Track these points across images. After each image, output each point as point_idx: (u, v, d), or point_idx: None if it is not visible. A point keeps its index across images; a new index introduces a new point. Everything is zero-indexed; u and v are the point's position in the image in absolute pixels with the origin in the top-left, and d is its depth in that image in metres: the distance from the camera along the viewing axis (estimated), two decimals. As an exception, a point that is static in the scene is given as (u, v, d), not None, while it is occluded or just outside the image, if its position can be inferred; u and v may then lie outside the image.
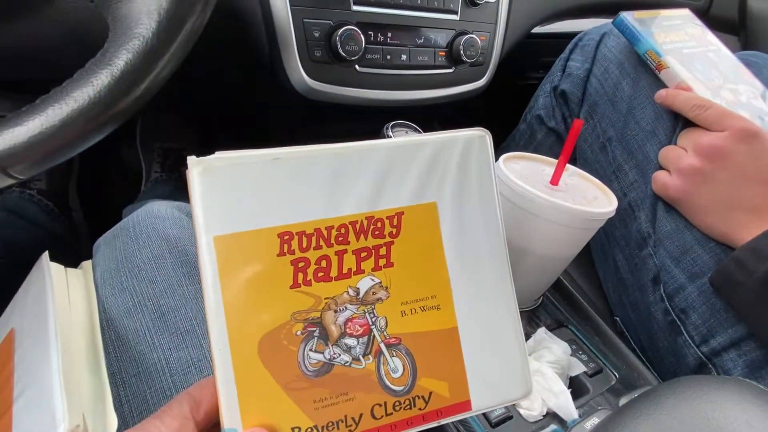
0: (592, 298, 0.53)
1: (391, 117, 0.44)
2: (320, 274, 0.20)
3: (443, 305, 0.22)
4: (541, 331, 0.37)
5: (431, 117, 0.63)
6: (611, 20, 0.48)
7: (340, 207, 0.20)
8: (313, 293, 0.20)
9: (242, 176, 0.19)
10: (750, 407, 0.24)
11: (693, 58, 0.45)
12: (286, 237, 0.19)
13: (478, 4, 0.47)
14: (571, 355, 0.36)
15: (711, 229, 0.38)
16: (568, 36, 0.63)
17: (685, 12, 0.50)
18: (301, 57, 0.40)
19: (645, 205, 0.43)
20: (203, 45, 0.25)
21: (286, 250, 0.19)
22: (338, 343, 0.20)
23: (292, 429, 0.20)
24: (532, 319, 0.40)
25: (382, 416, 0.21)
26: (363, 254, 0.21)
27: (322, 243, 0.20)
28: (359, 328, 0.21)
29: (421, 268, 0.21)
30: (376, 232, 0.21)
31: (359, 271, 0.21)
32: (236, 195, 0.19)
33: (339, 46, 0.40)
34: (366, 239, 0.21)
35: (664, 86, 0.43)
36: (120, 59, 0.18)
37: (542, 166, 0.40)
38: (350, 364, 0.21)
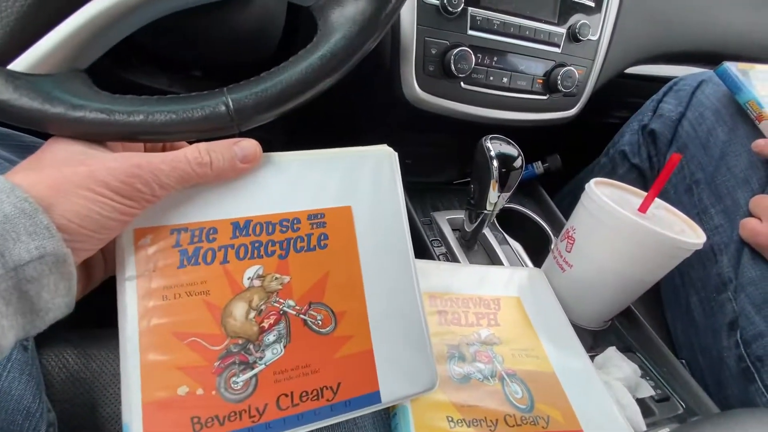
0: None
1: (480, 134, 0.48)
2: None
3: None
4: (612, 350, 0.38)
5: (514, 140, 0.66)
6: (710, 69, 0.50)
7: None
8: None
9: None
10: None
11: (796, 113, 0.45)
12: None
13: (581, 40, 0.51)
14: (640, 377, 0.37)
15: (800, 280, 0.38)
16: (658, 80, 0.64)
17: (791, 68, 0.51)
18: (417, 70, 0.46)
19: (729, 249, 0.43)
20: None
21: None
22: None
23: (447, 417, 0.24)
24: (599, 339, 0.41)
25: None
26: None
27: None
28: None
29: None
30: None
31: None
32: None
33: (452, 64, 0.45)
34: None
35: (763, 137, 0.44)
36: (328, 50, 0.24)
37: (629, 195, 0.42)
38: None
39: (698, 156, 0.49)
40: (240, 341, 0.21)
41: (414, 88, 0.46)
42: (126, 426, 0.19)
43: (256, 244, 0.22)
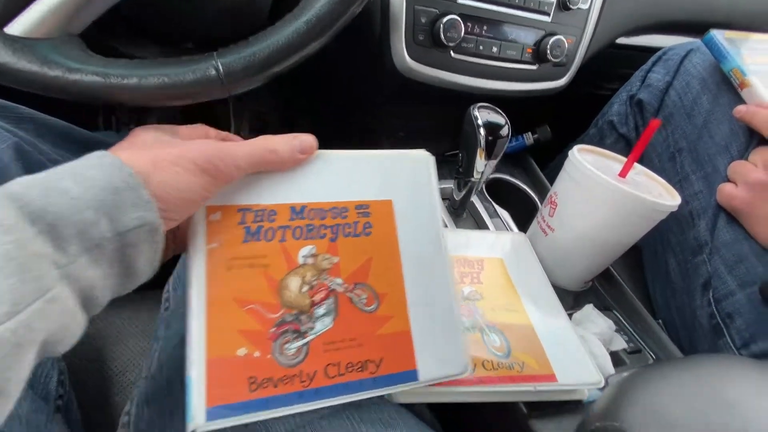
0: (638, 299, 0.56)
1: (470, 104, 0.48)
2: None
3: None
4: (589, 307, 0.40)
5: (506, 110, 0.67)
6: (699, 38, 0.50)
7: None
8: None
9: None
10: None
11: (778, 81, 0.46)
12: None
13: (570, 8, 0.51)
14: (614, 332, 0.39)
15: (769, 241, 0.40)
16: (649, 50, 0.65)
17: (777, 37, 0.51)
18: (407, 39, 0.46)
19: (707, 214, 0.45)
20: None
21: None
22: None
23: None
24: (579, 299, 0.43)
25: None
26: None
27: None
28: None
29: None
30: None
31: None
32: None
33: (441, 33, 0.45)
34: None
35: (745, 104, 0.45)
36: (313, 15, 0.25)
37: (611, 162, 0.43)
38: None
39: (682, 125, 0.50)
40: (293, 311, 0.23)
41: (404, 58, 0.47)
42: (189, 379, 0.21)
43: (310, 227, 0.25)
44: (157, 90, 0.22)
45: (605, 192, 0.36)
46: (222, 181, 0.22)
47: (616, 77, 0.74)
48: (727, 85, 0.48)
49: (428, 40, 0.47)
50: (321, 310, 0.24)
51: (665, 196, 0.39)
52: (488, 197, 0.56)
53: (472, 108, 0.44)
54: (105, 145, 0.21)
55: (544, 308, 0.36)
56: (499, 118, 0.44)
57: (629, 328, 0.41)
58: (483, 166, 0.45)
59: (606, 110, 0.60)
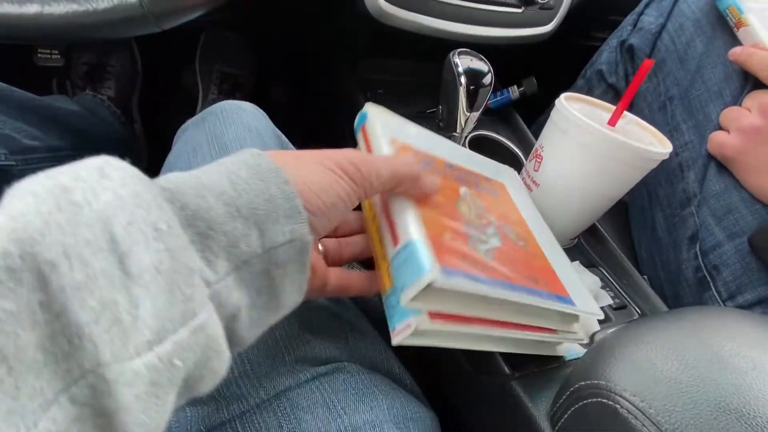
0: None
1: (444, 54, 0.44)
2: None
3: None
4: (575, 264, 0.39)
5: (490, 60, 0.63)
6: (696, -25, 0.46)
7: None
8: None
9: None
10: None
11: (777, 20, 0.43)
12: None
13: (559, -57, 0.47)
14: (600, 288, 0.38)
15: (760, 189, 0.38)
16: (642, -7, 0.60)
17: (778, -26, 0.48)
18: (379, -23, 0.41)
19: (696, 164, 0.43)
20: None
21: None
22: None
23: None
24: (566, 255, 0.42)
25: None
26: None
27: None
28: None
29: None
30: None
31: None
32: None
33: (417, -31, 0.41)
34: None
35: (741, 45, 0.42)
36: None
37: (600, 111, 0.40)
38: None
39: (675, 71, 0.47)
40: (472, 227, 0.26)
41: (378, 1, 0.42)
42: (415, 239, 0.21)
43: (461, 177, 0.30)
44: (64, 20, 0.19)
45: (594, 141, 0.34)
46: (362, 189, 0.21)
47: (607, 25, 0.69)
48: (723, 26, 0.44)
49: (403, -21, 0.42)
50: (491, 231, 0.27)
51: (656, 145, 0.37)
52: (471, 155, 0.53)
53: (452, 54, 0.40)
54: (62, 113, 0.18)
55: (546, 236, 0.33)
56: (481, 65, 0.40)
57: (615, 284, 0.40)
58: (465, 119, 0.42)
59: (595, 59, 0.57)
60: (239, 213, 0.16)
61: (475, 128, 0.55)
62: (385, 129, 0.27)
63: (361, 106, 0.28)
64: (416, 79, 0.60)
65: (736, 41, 0.43)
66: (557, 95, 0.66)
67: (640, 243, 0.51)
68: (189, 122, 0.35)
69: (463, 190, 0.28)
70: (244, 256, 0.16)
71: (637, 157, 0.34)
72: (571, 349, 0.32)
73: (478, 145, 0.56)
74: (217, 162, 0.18)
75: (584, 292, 0.29)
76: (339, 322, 0.28)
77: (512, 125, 0.59)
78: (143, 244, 0.13)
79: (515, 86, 0.61)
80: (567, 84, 0.65)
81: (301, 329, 0.26)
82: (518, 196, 0.34)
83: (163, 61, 0.84)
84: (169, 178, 0.16)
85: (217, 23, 0.75)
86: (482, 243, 0.25)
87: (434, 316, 0.21)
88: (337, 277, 0.26)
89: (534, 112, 0.64)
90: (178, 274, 0.13)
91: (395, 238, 0.23)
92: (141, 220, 0.13)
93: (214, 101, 0.80)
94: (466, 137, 0.52)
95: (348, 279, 0.26)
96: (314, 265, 0.24)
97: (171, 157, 0.33)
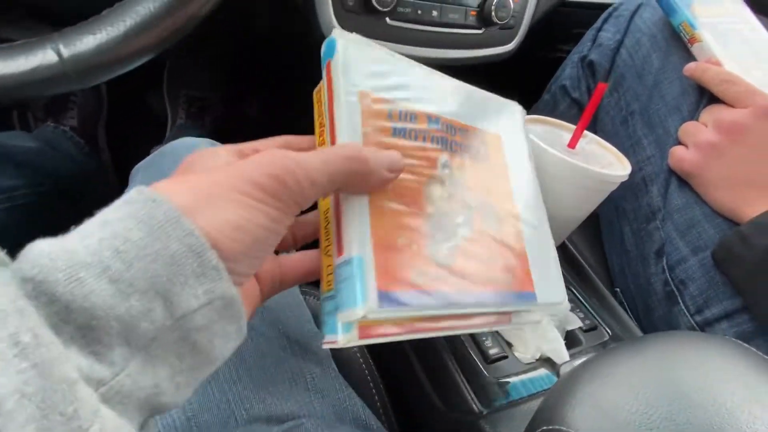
0: (596, 270, 0.55)
1: None
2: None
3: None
4: (543, 287, 0.39)
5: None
6: (649, -9, 0.47)
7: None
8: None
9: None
10: (731, 362, 0.26)
11: (728, 34, 0.44)
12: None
13: (515, -36, 0.47)
14: (569, 311, 0.38)
15: (720, 204, 0.39)
16: (600, 7, 0.61)
17: (728, -12, 0.49)
18: (335, 5, 0.41)
19: (659, 179, 0.44)
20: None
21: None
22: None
23: None
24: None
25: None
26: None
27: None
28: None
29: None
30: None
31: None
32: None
33: (373, -4, 0.40)
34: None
35: (695, 61, 0.43)
36: (179, -21, 0.20)
37: (561, 131, 0.40)
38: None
39: (634, 86, 0.48)
40: (439, 216, 0.23)
41: (333, 26, 0.42)
42: (358, 257, 0.19)
43: (444, 139, 0.25)
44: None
45: (551, 165, 0.34)
46: (293, 202, 0.17)
47: (571, 38, 0.70)
48: (678, 42, 0.45)
49: (359, 6, 0.42)
50: (460, 219, 0.24)
51: (615, 165, 0.37)
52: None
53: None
54: (18, 151, 0.15)
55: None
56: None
57: (585, 304, 0.40)
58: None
59: (559, 74, 0.58)
60: (133, 288, 0.13)
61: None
62: (353, 76, 0.22)
63: None
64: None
65: (691, 56, 0.44)
66: (525, 108, 0.67)
67: (611, 257, 0.52)
68: (140, 165, 0.34)
69: (443, 159, 0.24)
70: (150, 334, 0.13)
71: (595, 181, 0.34)
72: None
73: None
74: (100, 218, 0.14)
75: (553, 276, 0.28)
76: (296, 373, 0.27)
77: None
78: (2, 367, 0.11)
79: (482, 103, 0.62)
80: (533, 98, 0.66)
81: (254, 386, 0.25)
82: (514, 150, 0.29)
83: (129, 87, 0.82)
84: (35, 260, 0.13)
85: (179, 51, 0.74)
86: (445, 240, 0.23)
87: (366, 335, 0.19)
88: (293, 266, 0.23)
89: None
90: (51, 392, 0.11)
91: (340, 247, 0.20)
92: None
93: (182, 126, 0.78)
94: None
95: (308, 262, 0.23)
96: (257, 274, 0.21)
97: None
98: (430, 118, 0.24)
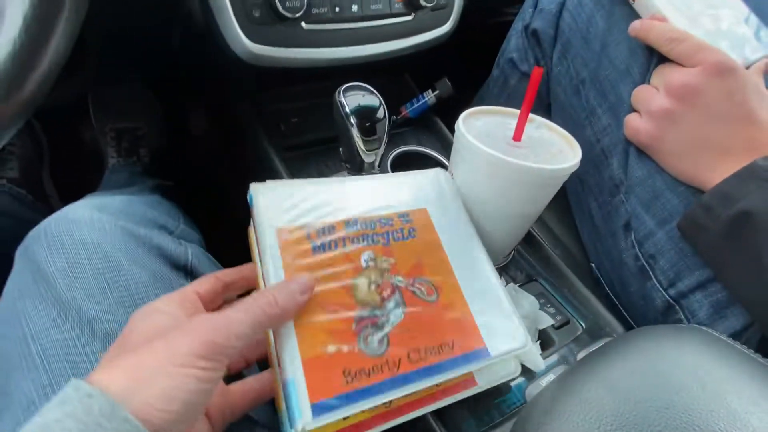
0: (569, 246, 0.54)
1: (349, 75, 0.41)
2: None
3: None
4: (510, 288, 0.37)
5: (398, 71, 0.59)
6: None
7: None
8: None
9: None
10: (701, 355, 0.24)
11: (671, -19, 0.41)
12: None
13: (435, -64, 0.42)
14: (539, 309, 0.36)
15: (681, 173, 0.37)
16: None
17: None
18: (239, 18, 0.37)
19: (617, 150, 0.41)
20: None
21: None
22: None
23: None
24: (502, 275, 0.40)
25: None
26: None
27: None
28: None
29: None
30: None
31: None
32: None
33: (278, 3, 0.36)
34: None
35: (639, 18, 0.40)
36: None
37: (507, 119, 0.37)
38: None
39: (581, 52, 0.44)
40: (368, 308, 0.25)
41: (242, 42, 0.38)
42: (291, 379, 0.22)
43: (365, 236, 0.28)
44: None
45: (491, 167, 0.31)
46: (223, 357, 0.20)
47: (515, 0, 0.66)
48: (620, -2, 0.42)
49: (267, 15, 0.38)
50: (391, 304, 0.26)
51: (566, 152, 0.35)
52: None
53: (336, 93, 0.36)
54: None
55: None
56: (372, 99, 0.37)
57: (555, 297, 0.39)
58: (372, 156, 0.39)
59: (505, 47, 0.54)
60: None
61: (398, 145, 0.52)
62: (269, 218, 0.26)
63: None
64: (326, 101, 0.56)
65: (635, 13, 0.41)
66: (476, 89, 0.63)
67: (582, 231, 0.50)
68: (18, 249, 0.29)
69: (365, 255, 0.27)
70: None
71: (542, 177, 0.31)
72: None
73: (405, 161, 0.53)
74: (39, 421, 0.16)
75: (507, 322, 0.29)
76: None
77: (434, 131, 0.56)
78: None
79: (429, 90, 0.58)
80: (487, 74, 0.62)
81: None
82: (443, 216, 0.32)
83: (68, 127, 0.77)
84: None
85: (99, 82, 0.68)
86: (377, 329, 0.25)
87: None
88: (243, 395, 0.25)
89: (456, 111, 0.61)
90: None
91: (281, 367, 0.23)
92: None
93: (117, 165, 0.72)
94: (389, 158, 0.49)
95: (259, 386, 0.25)
96: (207, 411, 0.23)
97: (3, 297, 0.28)
98: (348, 222, 0.28)
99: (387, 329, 0.25)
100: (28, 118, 0.20)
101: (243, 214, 0.30)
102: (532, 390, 0.30)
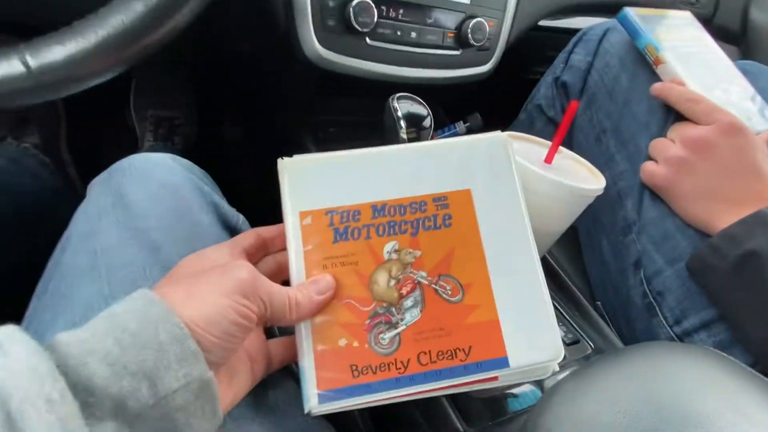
0: (577, 282, 0.56)
1: (389, 95, 0.45)
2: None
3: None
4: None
5: (434, 101, 0.64)
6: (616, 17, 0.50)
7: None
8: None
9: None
10: (708, 372, 0.26)
11: (690, 57, 0.47)
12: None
13: (489, -11, 0.49)
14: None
15: (691, 216, 0.40)
16: (572, 31, 0.64)
17: (687, 14, 0.52)
18: (315, 25, 0.42)
19: (633, 193, 0.45)
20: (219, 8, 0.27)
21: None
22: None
23: None
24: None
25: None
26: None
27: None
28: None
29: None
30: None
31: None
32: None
33: (352, 17, 0.41)
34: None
35: (661, 81, 0.45)
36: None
37: (538, 148, 0.41)
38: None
39: (605, 105, 0.50)
40: (384, 304, 0.25)
41: (315, 47, 0.43)
42: (302, 368, 0.24)
43: (392, 224, 0.26)
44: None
45: (529, 181, 0.34)
46: (261, 303, 0.22)
47: (545, 60, 0.73)
48: (644, 63, 0.48)
49: (340, 26, 0.43)
50: (409, 302, 0.25)
51: (590, 180, 0.38)
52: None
53: (391, 99, 0.41)
54: None
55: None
56: (420, 109, 0.41)
57: (567, 317, 0.40)
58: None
59: (534, 94, 0.60)
60: (126, 370, 0.17)
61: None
62: (294, 201, 0.26)
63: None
64: (367, 116, 0.61)
65: (656, 77, 0.46)
66: (502, 127, 0.68)
67: (591, 269, 0.52)
68: (96, 180, 0.32)
69: (389, 246, 0.26)
70: (135, 411, 0.16)
71: (571, 194, 0.34)
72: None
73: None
74: (108, 313, 0.18)
75: (543, 335, 0.25)
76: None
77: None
78: (35, 418, 0.14)
79: (461, 122, 0.63)
80: (511, 116, 0.68)
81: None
82: (490, 198, 0.27)
83: (93, 102, 0.81)
84: (60, 346, 0.16)
85: (147, 68, 0.73)
86: (390, 328, 0.25)
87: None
88: (278, 351, 0.26)
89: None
90: None
91: (297, 353, 0.25)
92: (34, 394, 0.14)
93: (152, 147, 0.77)
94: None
95: (291, 348, 0.26)
96: (250, 355, 0.25)
97: (77, 217, 0.30)
98: (375, 207, 0.26)
99: (400, 328, 0.25)
100: (154, 52, 0.23)
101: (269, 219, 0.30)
102: (550, 382, 0.31)
